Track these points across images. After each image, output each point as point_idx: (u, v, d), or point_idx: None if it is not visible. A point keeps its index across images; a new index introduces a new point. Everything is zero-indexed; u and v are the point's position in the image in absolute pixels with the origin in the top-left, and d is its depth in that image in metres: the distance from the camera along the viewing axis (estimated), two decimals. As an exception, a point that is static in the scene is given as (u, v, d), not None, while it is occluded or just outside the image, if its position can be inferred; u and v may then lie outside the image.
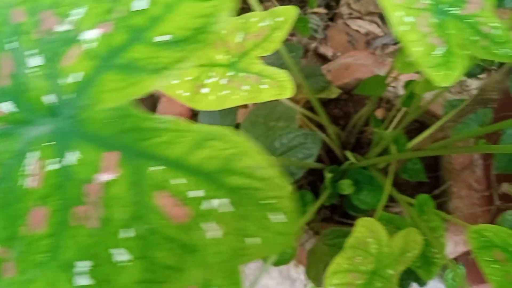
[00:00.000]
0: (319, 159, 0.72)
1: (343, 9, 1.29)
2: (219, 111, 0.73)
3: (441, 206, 0.69)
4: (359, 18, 1.25)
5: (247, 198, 0.19)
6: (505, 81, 0.35)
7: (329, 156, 0.71)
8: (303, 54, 1.22)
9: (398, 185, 0.73)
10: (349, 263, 0.45)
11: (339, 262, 0.45)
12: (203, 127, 0.19)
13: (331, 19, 1.27)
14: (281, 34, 0.39)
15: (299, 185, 0.71)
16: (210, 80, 0.42)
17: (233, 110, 0.72)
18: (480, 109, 0.61)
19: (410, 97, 0.58)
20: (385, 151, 0.61)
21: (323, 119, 0.59)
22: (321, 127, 0.69)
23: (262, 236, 0.19)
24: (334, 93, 0.73)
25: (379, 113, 0.75)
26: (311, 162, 0.61)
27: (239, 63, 0.42)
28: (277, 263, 0.56)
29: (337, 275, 0.45)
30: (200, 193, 0.18)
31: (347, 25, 1.26)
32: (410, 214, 0.49)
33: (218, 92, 0.41)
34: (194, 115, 0.78)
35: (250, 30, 0.42)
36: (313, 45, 1.21)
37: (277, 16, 0.40)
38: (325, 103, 0.78)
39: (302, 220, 0.53)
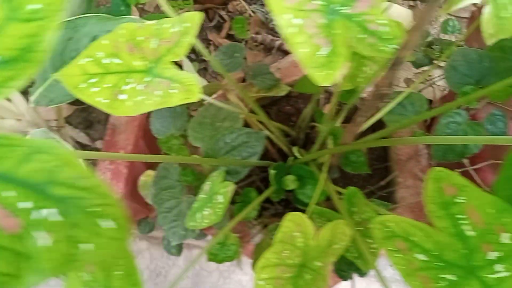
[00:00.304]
0: (270, 157, 0.73)
1: (308, 4, 1.29)
2: (171, 112, 0.74)
3: (389, 196, 0.71)
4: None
5: (74, 207, 0.20)
6: (391, 76, 0.36)
7: (280, 153, 0.72)
8: (267, 51, 1.24)
9: (349, 177, 0.74)
10: (277, 257, 0.47)
11: (267, 256, 0.47)
12: (33, 141, 0.20)
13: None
14: (189, 39, 0.40)
15: (251, 182, 0.73)
16: (128, 87, 0.43)
17: (184, 112, 0.73)
18: (415, 98, 0.62)
19: (347, 92, 0.60)
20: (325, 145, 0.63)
21: (262, 117, 0.60)
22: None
23: (94, 242, 0.20)
24: (283, 90, 0.75)
25: (328, 108, 0.76)
26: (255, 160, 0.62)
27: (155, 68, 0.43)
28: (220, 261, 0.57)
29: (265, 270, 0.46)
30: (29, 204, 0.20)
31: (312, 20, 1.26)
32: (339, 206, 0.50)
33: (134, 98, 0.42)
34: (147, 117, 0.79)
35: (163, 36, 0.43)
36: (278, 42, 1.22)
37: (184, 22, 0.41)
38: (276, 100, 0.79)
39: (240, 216, 0.55)
